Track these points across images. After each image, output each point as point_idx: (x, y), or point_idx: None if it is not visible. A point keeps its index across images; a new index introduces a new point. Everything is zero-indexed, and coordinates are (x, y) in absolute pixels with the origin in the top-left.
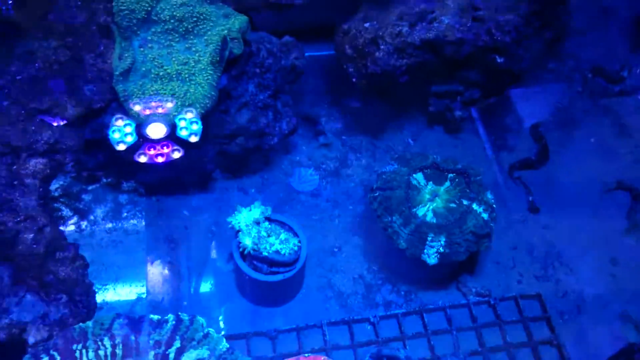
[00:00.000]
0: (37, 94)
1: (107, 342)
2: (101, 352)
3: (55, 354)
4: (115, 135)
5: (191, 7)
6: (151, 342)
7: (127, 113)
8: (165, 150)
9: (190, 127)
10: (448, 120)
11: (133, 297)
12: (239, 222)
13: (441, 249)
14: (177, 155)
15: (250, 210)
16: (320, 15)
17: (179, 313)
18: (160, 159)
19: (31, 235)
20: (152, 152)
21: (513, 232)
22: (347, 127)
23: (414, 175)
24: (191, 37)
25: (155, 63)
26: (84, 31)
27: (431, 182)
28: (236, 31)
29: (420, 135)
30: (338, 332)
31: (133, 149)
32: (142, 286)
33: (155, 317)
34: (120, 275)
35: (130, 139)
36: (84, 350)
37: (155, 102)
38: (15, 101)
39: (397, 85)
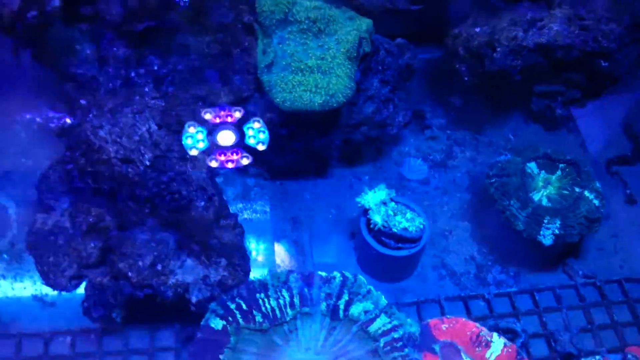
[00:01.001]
0: (195, 82)
1: (285, 293)
2: (281, 301)
3: (241, 301)
4: (188, 142)
5: (323, 10)
6: (322, 294)
7: (201, 121)
8: (235, 156)
9: (257, 135)
10: (548, 118)
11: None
12: (368, 202)
13: (556, 231)
14: (245, 161)
15: (376, 192)
16: (421, 22)
17: (343, 271)
18: (230, 165)
19: (202, 203)
20: (222, 157)
21: (613, 221)
22: (450, 123)
23: (528, 164)
24: (323, 36)
25: (294, 58)
26: (232, 28)
27: (543, 171)
28: (365, 31)
29: (520, 132)
30: (454, 307)
31: (205, 154)
32: (271, 261)
33: (323, 273)
34: (250, 251)
35: (202, 145)
36: (266, 299)
37: (224, 111)
38: (179, 87)
39: (505, 84)
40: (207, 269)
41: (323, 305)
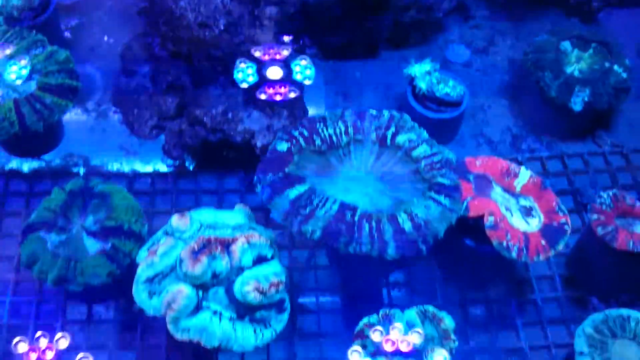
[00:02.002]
0: None
1: (341, 125)
2: (337, 130)
3: (303, 129)
4: (239, 76)
5: None
6: (373, 126)
7: (250, 57)
8: (283, 90)
9: (304, 72)
10: (585, 11)
11: None
12: (414, 71)
13: (586, 98)
14: (293, 95)
15: (421, 64)
16: None
17: (391, 110)
18: (278, 97)
19: None
20: (271, 91)
21: None
22: (493, 14)
23: (562, 42)
24: None
25: None
26: None
27: (577, 49)
28: None
29: (559, 24)
30: None
31: (254, 87)
32: None
33: (374, 111)
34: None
35: (251, 79)
36: (324, 128)
37: (273, 49)
38: None
39: None
40: (271, 119)
41: (373, 135)
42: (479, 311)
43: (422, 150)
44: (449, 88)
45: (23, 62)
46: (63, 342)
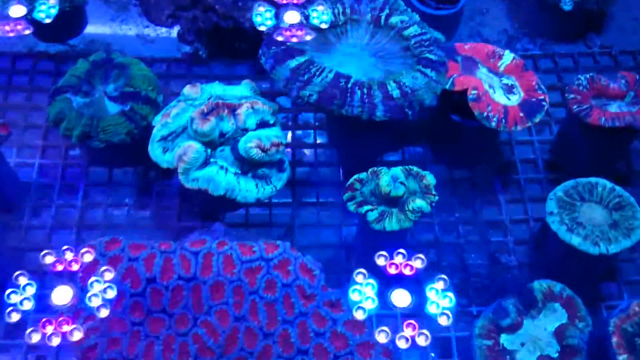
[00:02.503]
0: None
1: (339, 6)
2: (335, 10)
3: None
4: (257, 19)
5: None
6: (368, 8)
7: (268, 1)
8: (299, 33)
9: (320, 17)
10: None
11: None
12: None
13: None
14: (309, 38)
15: None
16: None
17: None
18: (294, 40)
19: None
20: (287, 34)
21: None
22: None
23: None
24: None
25: None
26: None
27: None
28: None
29: None
30: None
31: (272, 30)
32: None
33: None
34: None
35: (269, 23)
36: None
37: None
38: None
39: None
40: (279, 8)
41: (368, 16)
42: (465, 188)
43: (412, 30)
44: None
45: None
46: (88, 256)
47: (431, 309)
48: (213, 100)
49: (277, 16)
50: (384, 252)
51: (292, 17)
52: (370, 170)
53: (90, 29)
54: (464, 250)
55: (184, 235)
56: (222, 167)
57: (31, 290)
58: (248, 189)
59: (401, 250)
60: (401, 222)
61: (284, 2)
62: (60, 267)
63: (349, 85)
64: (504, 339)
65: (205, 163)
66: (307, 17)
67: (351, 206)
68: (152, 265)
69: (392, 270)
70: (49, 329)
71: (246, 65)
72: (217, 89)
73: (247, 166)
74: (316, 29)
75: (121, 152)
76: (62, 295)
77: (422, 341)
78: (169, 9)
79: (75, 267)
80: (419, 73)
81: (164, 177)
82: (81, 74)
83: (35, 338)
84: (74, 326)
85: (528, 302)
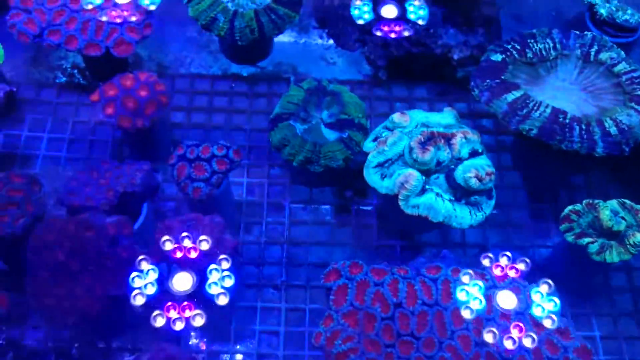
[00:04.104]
0: None
1: (549, 41)
2: (546, 45)
3: (515, 43)
4: (355, 12)
5: None
6: (577, 44)
7: None
8: (397, 28)
9: (417, 12)
10: None
11: None
12: None
13: None
14: (407, 33)
15: None
16: None
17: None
18: (392, 35)
19: None
20: (385, 28)
21: None
22: None
23: None
24: None
25: None
26: None
27: None
28: None
29: None
30: None
31: (370, 25)
32: None
33: (577, 32)
34: None
35: (367, 17)
36: (534, 43)
37: None
38: None
39: None
40: (467, 35)
41: (578, 51)
42: None
43: (622, 66)
44: (628, 15)
45: None
46: (205, 244)
47: (536, 311)
48: (420, 128)
49: (375, 10)
50: (490, 254)
51: (389, 11)
52: (585, 202)
53: (276, 51)
54: None
55: (383, 254)
56: (438, 194)
57: (154, 275)
58: (463, 216)
59: (507, 252)
60: (621, 255)
61: None
62: (179, 254)
63: (567, 121)
64: None
65: (422, 190)
66: (404, 11)
67: (569, 237)
68: (396, 290)
69: (497, 272)
70: (173, 314)
71: (424, 87)
72: (420, 116)
73: (460, 193)
74: (528, 64)
75: (319, 173)
76: (182, 281)
77: (528, 343)
78: (356, 33)
79: (193, 254)
80: (633, 110)
81: (360, 197)
82: (298, 101)
83: (160, 322)
84: (196, 311)
85: None
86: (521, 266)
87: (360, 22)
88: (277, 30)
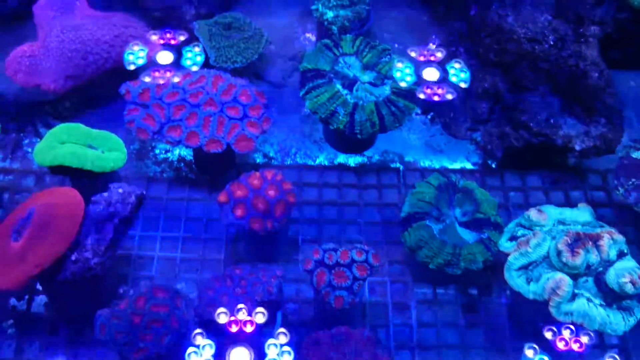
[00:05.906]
0: None
1: None
2: None
3: None
4: (397, 75)
5: None
6: None
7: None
8: (440, 91)
9: (459, 75)
10: None
11: None
12: None
13: None
14: (450, 97)
15: None
16: None
17: None
18: (436, 98)
19: (596, 74)
20: (428, 91)
21: None
22: None
23: None
24: None
25: None
26: None
27: None
28: None
29: None
30: None
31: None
32: None
33: None
34: None
35: (409, 79)
36: None
37: (428, 52)
38: None
39: None
40: (588, 125)
41: None
42: None
43: None
44: None
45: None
46: (260, 317)
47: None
48: (557, 226)
49: (416, 73)
50: (553, 327)
51: (431, 74)
52: None
53: (381, 139)
54: None
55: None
56: (589, 300)
57: (210, 351)
58: (617, 322)
59: (570, 325)
60: None
61: (422, 59)
62: (234, 328)
63: None
64: None
65: (573, 295)
66: (446, 74)
67: None
68: None
69: (561, 346)
70: None
71: (536, 175)
72: (554, 212)
73: (611, 297)
74: None
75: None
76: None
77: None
78: (468, 122)
79: (249, 328)
80: None
81: (485, 294)
82: (430, 199)
83: None
84: None
85: None
86: (584, 339)
87: (403, 84)
88: (397, 123)
